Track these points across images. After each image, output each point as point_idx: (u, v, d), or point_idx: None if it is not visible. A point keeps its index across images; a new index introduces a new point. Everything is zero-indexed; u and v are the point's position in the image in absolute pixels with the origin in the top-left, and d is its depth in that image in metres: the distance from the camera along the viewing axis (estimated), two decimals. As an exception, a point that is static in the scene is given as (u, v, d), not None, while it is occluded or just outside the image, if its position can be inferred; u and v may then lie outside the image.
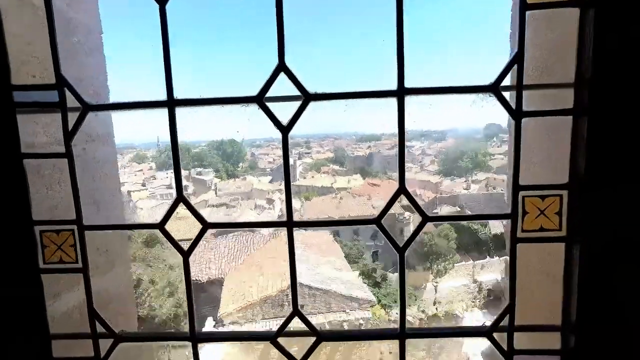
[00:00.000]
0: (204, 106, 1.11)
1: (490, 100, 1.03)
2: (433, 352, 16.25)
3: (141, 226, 1.47)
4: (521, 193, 1.04)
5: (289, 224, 1.13)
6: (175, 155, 1.12)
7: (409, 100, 1.04)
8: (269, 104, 1.09)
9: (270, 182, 71.43)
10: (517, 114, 1.03)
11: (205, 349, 12.68)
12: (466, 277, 29.59)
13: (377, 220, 1.13)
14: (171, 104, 1.08)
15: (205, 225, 1.18)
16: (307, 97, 1.07)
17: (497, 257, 30.99)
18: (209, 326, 13.54)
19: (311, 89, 1.07)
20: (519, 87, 1.01)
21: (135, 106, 1.18)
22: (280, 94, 1.09)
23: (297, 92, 1.07)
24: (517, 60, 1.00)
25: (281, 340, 1.20)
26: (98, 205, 1.42)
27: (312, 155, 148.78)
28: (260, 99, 1.07)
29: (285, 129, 1.10)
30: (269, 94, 1.08)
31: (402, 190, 1.10)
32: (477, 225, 35.35)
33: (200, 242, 1.19)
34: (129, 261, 1.86)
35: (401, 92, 1.04)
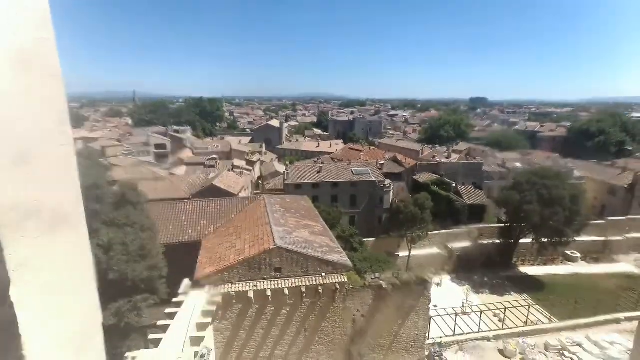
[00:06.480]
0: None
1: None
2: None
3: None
4: None
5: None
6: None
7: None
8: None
9: (251, 142, 70.06)
10: None
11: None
12: (439, 245, 30.77)
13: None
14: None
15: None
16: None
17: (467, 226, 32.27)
18: (185, 288, 13.57)
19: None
20: None
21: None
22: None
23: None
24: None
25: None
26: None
27: (297, 119, 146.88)
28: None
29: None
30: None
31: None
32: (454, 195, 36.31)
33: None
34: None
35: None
